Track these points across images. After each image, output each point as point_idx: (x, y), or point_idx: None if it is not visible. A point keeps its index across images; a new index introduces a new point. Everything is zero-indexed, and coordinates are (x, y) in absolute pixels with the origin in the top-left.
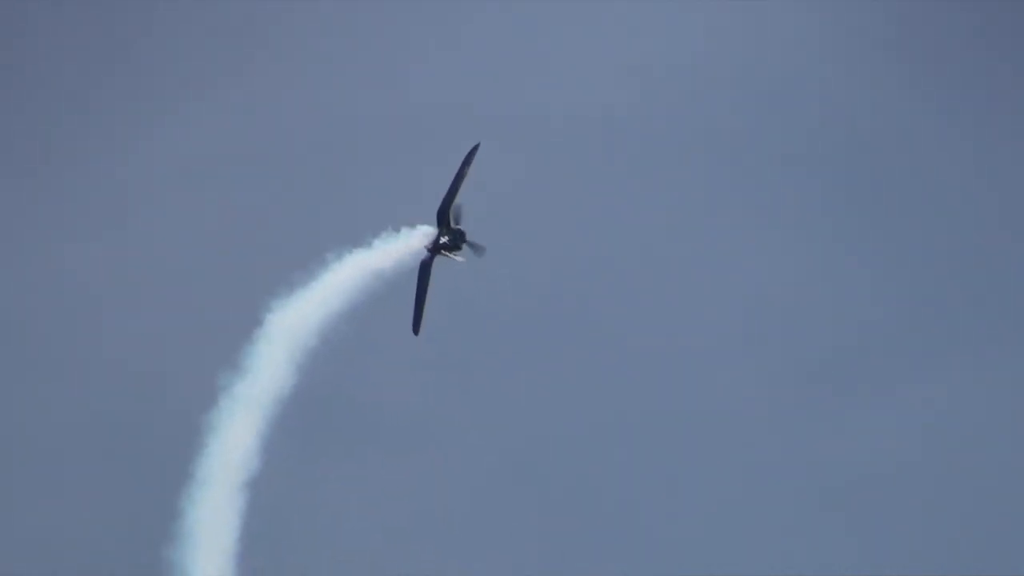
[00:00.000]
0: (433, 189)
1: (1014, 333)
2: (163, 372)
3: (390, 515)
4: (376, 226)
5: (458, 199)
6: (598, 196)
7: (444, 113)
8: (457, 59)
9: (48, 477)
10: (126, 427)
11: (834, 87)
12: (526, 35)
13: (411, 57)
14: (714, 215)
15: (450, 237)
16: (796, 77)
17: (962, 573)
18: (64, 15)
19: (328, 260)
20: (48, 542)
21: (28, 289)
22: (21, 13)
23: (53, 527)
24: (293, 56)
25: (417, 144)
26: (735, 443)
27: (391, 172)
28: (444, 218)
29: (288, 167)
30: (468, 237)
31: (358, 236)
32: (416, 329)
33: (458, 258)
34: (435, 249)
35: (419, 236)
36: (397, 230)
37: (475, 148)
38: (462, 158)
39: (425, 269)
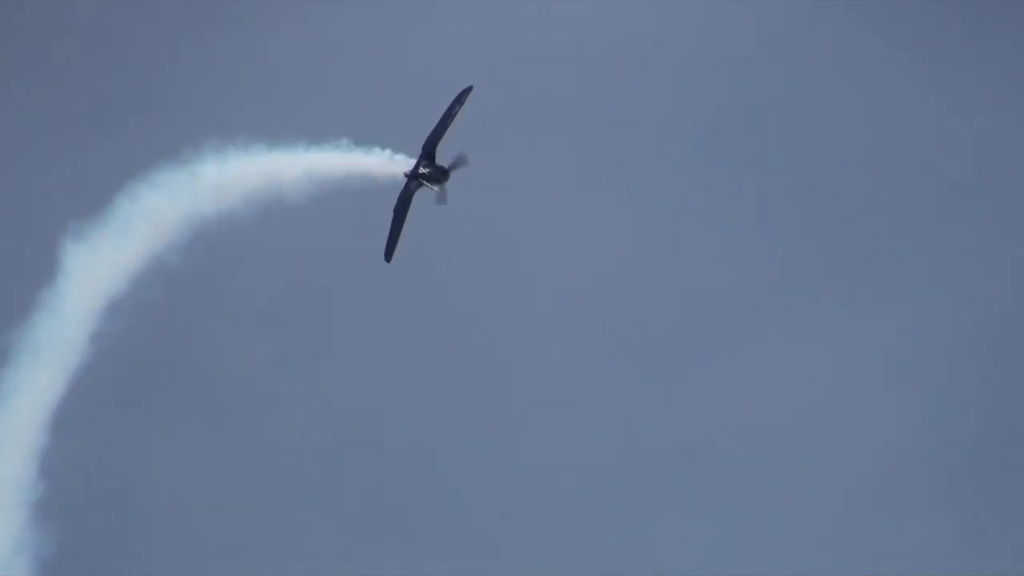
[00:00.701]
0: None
1: (859, 296)
2: None
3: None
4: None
5: (457, 149)
6: None
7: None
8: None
9: None
10: None
11: None
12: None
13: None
14: (554, 189)
15: (431, 169)
16: None
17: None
18: None
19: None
20: None
21: None
22: None
23: None
24: None
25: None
26: (591, 405)
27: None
28: (430, 150)
29: None
30: (446, 182)
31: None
32: (388, 257)
33: (435, 188)
34: (414, 175)
35: (387, 161)
36: (358, 145)
37: (468, 90)
38: (454, 97)
39: (406, 198)
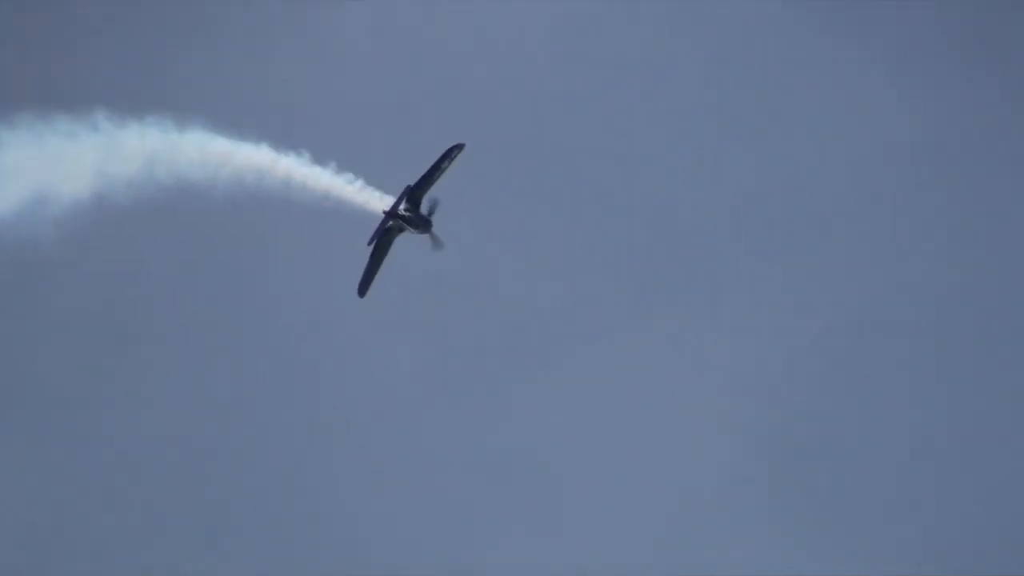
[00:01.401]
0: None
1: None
2: None
3: None
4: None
5: (436, 195)
6: None
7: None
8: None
9: None
10: None
11: None
12: None
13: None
14: None
15: (414, 215)
16: None
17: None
18: None
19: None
20: None
21: None
22: None
23: None
24: None
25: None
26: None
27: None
28: (415, 196)
29: None
30: (432, 229)
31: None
32: (362, 292)
33: (411, 231)
34: (392, 215)
35: (369, 197)
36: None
37: (459, 147)
38: (443, 152)
39: (386, 237)
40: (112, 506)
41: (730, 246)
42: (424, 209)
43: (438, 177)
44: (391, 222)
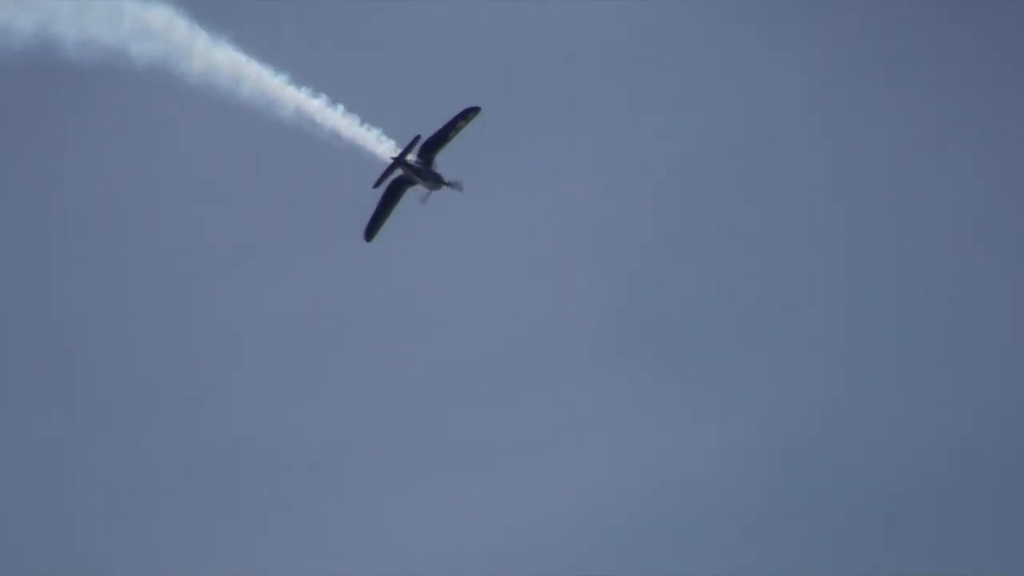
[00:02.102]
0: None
1: None
2: None
3: None
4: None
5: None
6: None
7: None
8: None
9: None
10: None
11: None
12: None
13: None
14: None
15: (423, 165)
16: None
17: None
18: None
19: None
20: None
21: None
22: None
23: None
24: None
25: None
26: None
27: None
28: (427, 150)
29: None
30: (444, 179)
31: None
32: (368, 236)
33: (418, 185)
34: (401, 161)
35: (377, 142)
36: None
37: (474, 110)
38: (459, 112)
39: (395, 184)
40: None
41: None
42: (448, 179)
43: (453, 137)
44: (399, 170)
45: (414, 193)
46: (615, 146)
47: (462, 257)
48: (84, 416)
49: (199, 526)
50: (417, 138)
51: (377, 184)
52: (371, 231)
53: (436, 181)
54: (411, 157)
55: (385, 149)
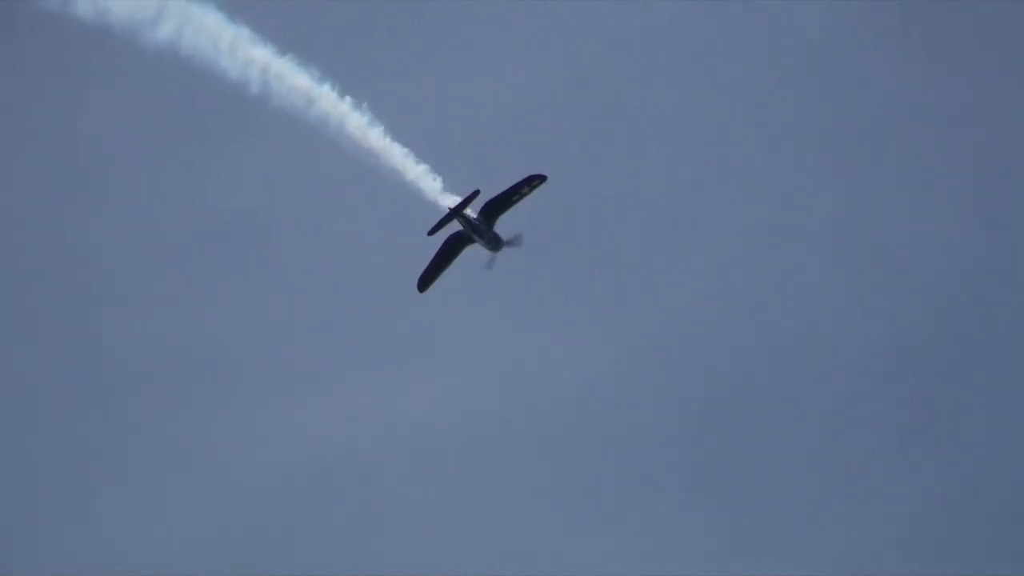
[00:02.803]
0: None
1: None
2: None
3: None
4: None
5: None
6: None
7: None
8: None
9: None
10: None
11: None
12: None
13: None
14: None
15: (482, 223)
16: None
17: None
18: None
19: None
20: None
21: None
22: None
23: None
24: None
25: None
26: None
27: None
28: (488, 212)
29: None
30: (503, 241)
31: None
32: (421, 287)
33: (476, 241)
34: (456, 213)
35: (439, 192)
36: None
37: (540, 178)
38: (524, 178)
39: (454, 238)
40: None
41: None
42: (506, 236)
43: (516, 202)
44: (456, 222)
45: (473, 252)
46: None
47: None
48: None
49: (79, 435)
50: (476, 192)
51: (432, 231)
52: (425, 282)
53: (495, 243)
54: (470, 212)
55: (445, 199)
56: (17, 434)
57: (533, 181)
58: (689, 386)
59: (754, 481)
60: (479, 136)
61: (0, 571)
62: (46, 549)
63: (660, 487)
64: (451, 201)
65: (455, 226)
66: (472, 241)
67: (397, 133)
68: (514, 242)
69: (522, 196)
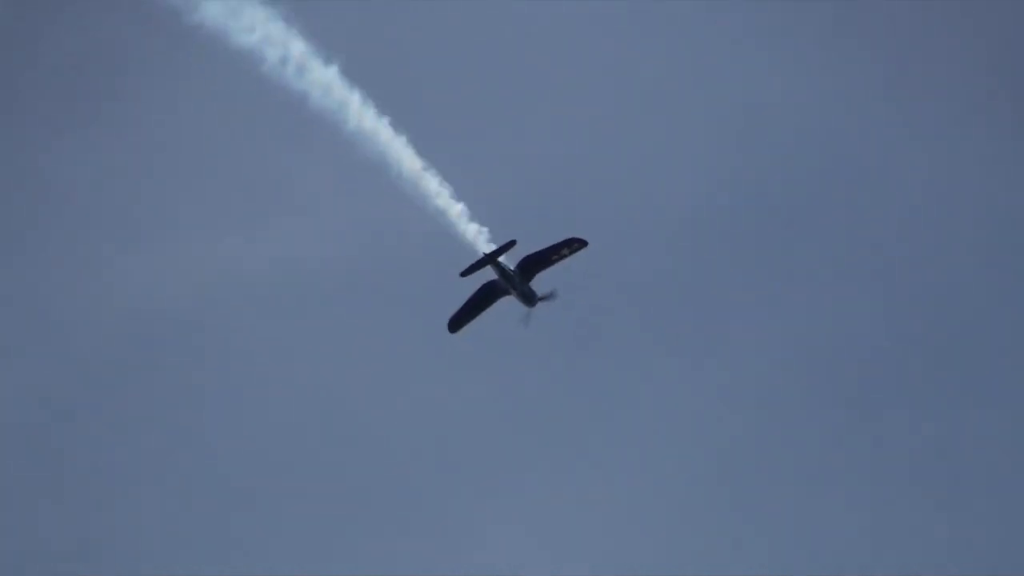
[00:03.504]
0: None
1: None
2: None
3: None
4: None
5: (550, 287)
6: None
7: None
8: None
9: None
10: None
11: None
12: None
13: None
14: None
15: (516, 275)
16: None
17: None
18: None
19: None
20: None
21: None
22: None
23: None
24: None
25: None
26: None
27: None
28: (525, 268)
29: None
30: (537, 297)
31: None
32: (452, 328)
33: (510, 293)
34: (490, 259)
35: (481, 239)
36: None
37: (580, 242)
38: (564, 239)
39: (490, 285)
40: None
41: None
42: (541, 292)
43: (554, 261)
44: (491, 269)
45: (509, 305)
46: None
47: None
48: None
49: None
50: (513, 242)
51: (465, 273)
52: (457, 324)
53: (528, 298)
54: (504, 260)
55: (482, 244)
56: None
57: (573, 244)
58: None
59: None
60: (534, 195)
61: None
62: None
63: None
64: (488, 248)
65: (490, 273)
66: (507, 292)
67: (460, 192)
68: (549, 298)
69: (562, 257)
